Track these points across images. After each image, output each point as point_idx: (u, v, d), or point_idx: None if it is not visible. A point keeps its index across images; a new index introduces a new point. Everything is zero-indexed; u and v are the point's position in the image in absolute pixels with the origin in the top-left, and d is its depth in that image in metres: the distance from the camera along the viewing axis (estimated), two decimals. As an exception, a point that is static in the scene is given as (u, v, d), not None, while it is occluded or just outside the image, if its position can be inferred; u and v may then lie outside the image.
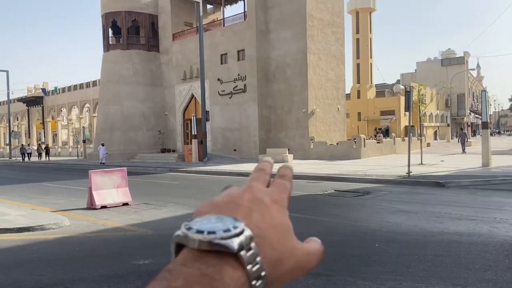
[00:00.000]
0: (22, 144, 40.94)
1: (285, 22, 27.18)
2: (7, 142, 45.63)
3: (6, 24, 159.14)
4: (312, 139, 26.37)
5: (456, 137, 36.38)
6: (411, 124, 16.17)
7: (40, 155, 38.22)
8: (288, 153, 24.29)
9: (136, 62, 33.43)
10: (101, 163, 28.33)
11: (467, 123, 72.89)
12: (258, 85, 27.47)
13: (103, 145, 29.58)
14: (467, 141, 30.14)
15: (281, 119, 27.73)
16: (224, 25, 30.03)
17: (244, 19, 28.51)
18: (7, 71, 42.74)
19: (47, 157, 38.00)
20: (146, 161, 29.62)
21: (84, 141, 38.84)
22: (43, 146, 39.94)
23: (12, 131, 45.39)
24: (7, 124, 47.32)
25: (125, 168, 11.72)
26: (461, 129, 37.77)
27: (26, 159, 37.97)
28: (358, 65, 51.41)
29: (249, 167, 21.11)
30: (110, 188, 10.93)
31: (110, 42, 34.17)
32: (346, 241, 6.79)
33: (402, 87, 50.90)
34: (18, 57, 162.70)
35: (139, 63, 33.50)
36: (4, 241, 7.37)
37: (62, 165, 31.15)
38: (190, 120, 30.04)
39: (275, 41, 27.72)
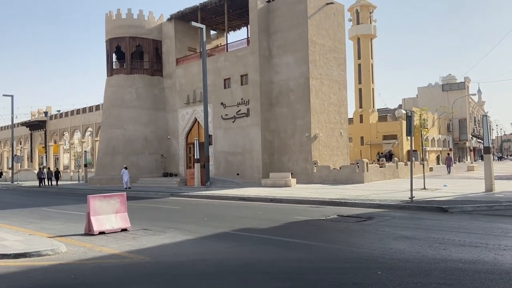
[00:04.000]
0: (40, 168, 38.42)
1: (288, 47, 27.56)
2: (10, 166, 45.64)
3: (11, 48, 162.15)
4: (315, 163, 26.28)
5: (444, 162, 39.71)
6: (413, 149, 16.10)
7: (50, 179, 36.06)
8: (291, 177, 24.17)
9: (139, 86, 33.77)
10: (126, 187, 26.98)
11: (470, 148, 72.72)
12: (261, 109, 27.61)
13: (126, 168, 28.75)
14: (452, 165, 36.24)
15: (284, 143, 27.73)
16: (227, 50, 30.45)
17: (247, 45, 28.93)
18: (11, 96, 43.21)
19: (56, 182, 36.34)
20: (147, 185, 29.49)
21: (85, 165, 38.83)
22: (53, 170, 38.18)
23: (15, 155, 45.51)
24: (10, 148, 47.51)
25: (125, 193, 11.61)
26: (448, 154, 41.11)
27: (47, 182, 35.72)
28: (360, 90, 51.76)
29: (252, 191, 20.98)
30: (108, 214, 10.81)
31: (113, 67, 34.63)
32: (348, 268, 6.63)
33: (403, 111, 51.05)
34: (22, 81, 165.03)
35: (142, 87, 33.84)
36: (1, 267, 7.24)
37: (62, 189, 31.03)
38: (193, 144, 30.10)
39: (278, 66, 28.04)
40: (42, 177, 35.53)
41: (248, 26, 30.11)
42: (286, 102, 27.68)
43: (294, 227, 11.10)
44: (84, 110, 44.71)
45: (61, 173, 38.94)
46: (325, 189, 21.05)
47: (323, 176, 25.67)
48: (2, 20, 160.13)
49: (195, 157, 27.76)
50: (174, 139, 33.77)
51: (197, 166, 27.47)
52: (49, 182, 35.97)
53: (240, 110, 28.66)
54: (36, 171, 49.13)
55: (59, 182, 37.07)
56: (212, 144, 29.32)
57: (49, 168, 38.01)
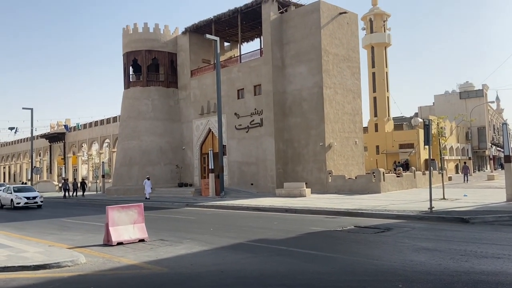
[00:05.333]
0: (64, 180, 38.04)
1: (301, 57, 27.62)
2: (29, 177, 46.47)
3: (31, 62, 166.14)
4: (330, 173, 26.10)
5: (461, 171, 39.73)
6: (431, 158, 15.86)
7: (75, 190, 35.62)
8: (306, 187, 24.02)
9: (155, 98, 34.22)
10: (146, 198, 27.65)
11: (489, 156, 71.29)
12: (275, 119, 27.64)
13: (148, 179, 29.14)
14: (469, 174, 36.79)
15: (298, 152, 27.64)
16: (240, 61, 30.69)
17: (261, 55, 29.11)
18: (31, 109, 44.18)
19: (82, 193, 36.09)
20: (163, 195, 29.67)
21: (103, 176, 39.30)
22: (79, 181, 37.90)
23: (34, 167, 46.36)
24: (30, 160, 48.45)
25: (142, 203, 11.70)
26: (464, 162, 42.43)
27: (71, 193, 35.41)
28: (375, 98, 51.38)
29: (266, 201, 20.92)
30: (126, 224, 10.90)
31: (130, 80, 35.25)
32: (368, 281, 6.52)
33: (420, 120, 50.46)
34: (42, 95, 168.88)
35: (158, 99, 34.28)
36: (21, 279, 7.34)
37: (81, 200, 31.43)
38: (207, 154, 30.24)
39: (291, 76, 28.09)
40: (67, 188, 35.32)
41: (261, 37, 30.34)
42: (299, 111, 27.65)
43: (310, 238, 11.00)
44: (101, 122, 45.45)
45: (86, 184, 38.33)
46: (340, 199, 20.86)
47: (338, 186, 25.45)
48: (23, 36, 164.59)
49: (210, 167, 27.87)
50: (189, 149, 34.00)
51: (211, 176, 27.55)
52: (74, 193, 35.67)
53: (253, 120, 28.74)
54: (55, 183, 50.01)
55: (85, 193, 36.61)
56: (226, 154, 29.41)
57: (75, 179, 37.94)
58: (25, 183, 47.57)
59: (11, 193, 25.28)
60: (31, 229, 14.39)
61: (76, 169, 54.34)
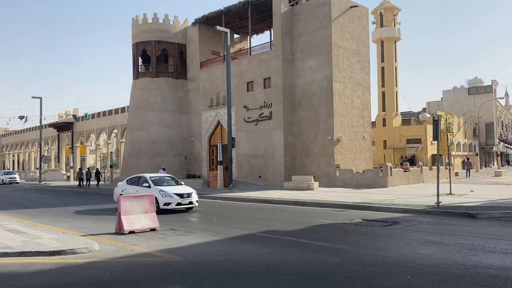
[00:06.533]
0: (79, 169, 37.52)
1: (311, 51, 27.58)
2: (37, 166, 47.03)
3: (40, 52, 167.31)
4: (337, 167, 26.18)
5: (464, 167, 41.52)
6: (439, 153, 15.89)
7: (88, 180, 34.98)
8: (314, 181, 24.14)
9: (164, 89, 34.38)
10: None
11: (496, 153, 70.82)
12: (284, 112, 27.70)
13: (164, 169, 28.20)
14: (472, 169, 38.94)
15: (307, 146, 27.73)
16: (250, 54, 30.70)
17: (271, 48, 29.10)
18: (40, 98, 44.54)
19: (97, 183, 35.31)
20: (171, 186, 29.88)
21: (111, 166, 39.67)
22: (93, 171, 37.47)
23: (43, 155, 46.86)
24: (38, 149, 48.97)
25: (153, 193, 11.90)
26: (467, 158, 42.42)
27: (84, 183, 34.82)
28: (383, 93, 51.19)
29: (275, 194, 21.09)
30: (138, 213, 11.11)
31: (139, 70, 35.40)
32: (377, 272, 6.66)
33: (428, 115, 50.28)
34: (51, 84, 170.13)
35: (167, 90, 34.44)
36: (38, 264, 7.56)
37: (89, 190, 31.82)
38: (216, 146, 30.41)
39: (301, 69, 28.09)
40: (82, 177, 34.84)
41: (272, 30, 30.30)
42: (309, 105, 27.69)
43: (319, 230, 11.15)
44: (110, 112, 45.73)
45: (101, 174, 37.68)
46: (348, 192, 20.96)
47: (345, 180, 25.55)
48: (32, 25, 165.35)
49: (218, 159, 28.03)
50: (197, 141, 34.19)
51: (220, 168, 27.74)
52: (87, 182, 35.12)
53: (262, 113, 28.83)
54: (63, 172, 50.55)
55: (93, 183, 35.94)
56: (235, 147, 29.54)
57: (88, 169, 37.70)
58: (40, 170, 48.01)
59: (149, 186, 16.06)
60: (43, 217, 14.67)
61: (84, 158, 54.77)
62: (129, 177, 18.00)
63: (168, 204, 15.16)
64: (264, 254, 8.33)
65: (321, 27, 27.20)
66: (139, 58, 35.48)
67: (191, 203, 15.65)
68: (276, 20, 28.29)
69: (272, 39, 29.60)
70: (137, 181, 16.84)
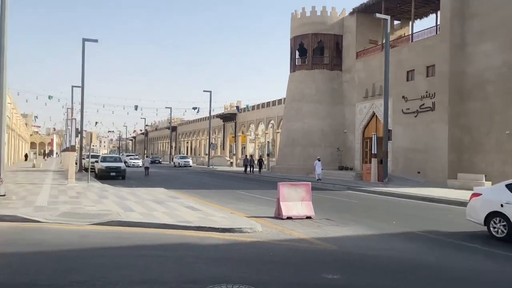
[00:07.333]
0: (245, 156, 40.80)
1: (486, 33, 24.25)
2: (206, 152, 52.98)
3: (212, 49, 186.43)
4: (515, 166, 22.63)
5: None
6: None
7: (252, 167, 37.45)
8: (485, 180, 21.41)
9: (319, 81, 34.80)
10: (318, 179, 26.99)
11: None
12: (450, 103, 25.15)
13: (319, 160, 28.56)
14: None
15: (476, 141, 24.67)
16: (412, 41, 28.66)
17: (436, 33, 26.65)
18: (210, 92, 49.93)
19: (259, 170, 37.31)
20: (324, 177, 30.23)
21: (268, 155, 42.16)
22: (256, 159, 39.68)
23: (211, 143, 52.56)
24: (207, 137, 55.08)
25: (310, 183, 12.25)
26: None
27: (249, 169, 37.18)
28: None
29: (436, 191, 19.48)
30: (295, 201, 11.61)
31: (296, 63, 36.57)
32: None
33: None
34: (220, 77, 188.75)
35: (321, 82, 34.78)
36: (212, 239, 8.59)
37: (249, 175, 34.44)
38: (370, 138, 29.50)
39: (472, 54, 25.00)
40: (247, 164, 37.50)
41: (438, 12, 27.67)
42: (481, 95, 24.49)
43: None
44: (267, 104, 48.54)
45: (263, 161, 39.81)
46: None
47: (526, 182, 21.86)
48: (210, 25, 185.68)
49: (372, 152, 27.11)
50: (350, 133, 33.69)
51: (374, 161, 26.84)
52: (251, 169, 37.59)
53: (423, 104, 26.70)
54: (227, 158, 55.86)
55: (254, 170, 37.86)
56: (391, 139, 28.14)
57: (251, 156, 40.14)
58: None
59: None
60: (212, 197, 16.52)
61: (245, 147, 59.51)
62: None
63: None
64: (423, 254, 7.83)
65: (500, 6, 23.61)
66: (296, 51, 36.61)
67: None
68: (445, 1, 25.69)
69: (438, 23, 27.04)
70: None
